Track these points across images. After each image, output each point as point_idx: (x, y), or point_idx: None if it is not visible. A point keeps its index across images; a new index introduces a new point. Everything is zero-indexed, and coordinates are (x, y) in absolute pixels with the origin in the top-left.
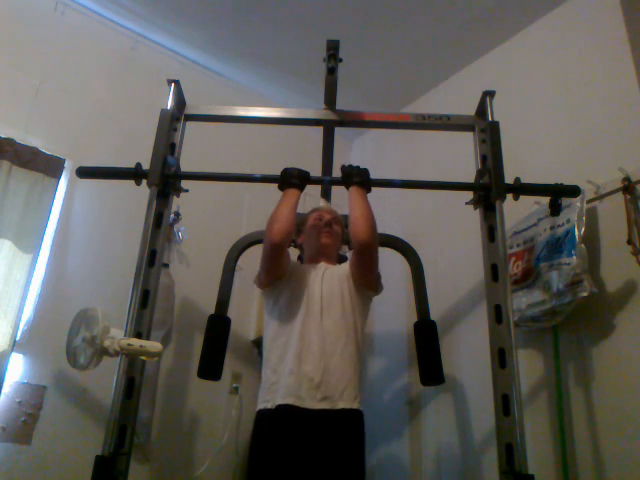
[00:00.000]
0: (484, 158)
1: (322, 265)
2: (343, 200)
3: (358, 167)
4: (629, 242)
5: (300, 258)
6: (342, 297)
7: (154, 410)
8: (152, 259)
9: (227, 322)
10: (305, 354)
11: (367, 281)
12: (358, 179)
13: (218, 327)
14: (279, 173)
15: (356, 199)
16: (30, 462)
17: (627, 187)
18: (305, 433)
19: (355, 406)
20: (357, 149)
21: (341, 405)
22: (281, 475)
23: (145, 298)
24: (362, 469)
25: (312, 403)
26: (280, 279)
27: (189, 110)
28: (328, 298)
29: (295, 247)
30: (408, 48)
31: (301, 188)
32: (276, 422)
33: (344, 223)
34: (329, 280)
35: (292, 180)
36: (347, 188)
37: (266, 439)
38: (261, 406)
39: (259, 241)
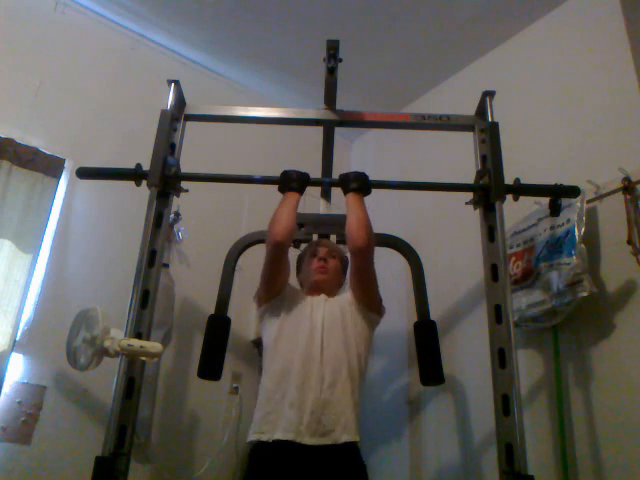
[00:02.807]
0: (484, 158)
1: (323, 296)
2: (343, 200)
3: (355, 172)
4: (629, 242)
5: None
6: (344, 325)
7: (154, 410)
8: (152, 259)
9: (227, 322)
10: (307, 386)
11: (367, 298)
12: (355, 185)
13: (218, 327)
14: (279, 173)
15: (352, 206)
16: (30, 462)
17: (627, 187)
18: (306, 472)
19: (353, 438)
20: (357, 149)
21: (343, 439)
22: None
23: (145, 298)
24: None
25: (313, 439)
26: (279, 295)
27: (189, 110)
28: (330, 327)
29: (296, 247)
30: (408, 48)
31: (301, 191)
32: (274, 459)
33: (344, 257)
34: (330, 308)
35: (291, 184)
36: (345, 194)
37: (263, 476)
38: (255, 437)
39: (259, 241)
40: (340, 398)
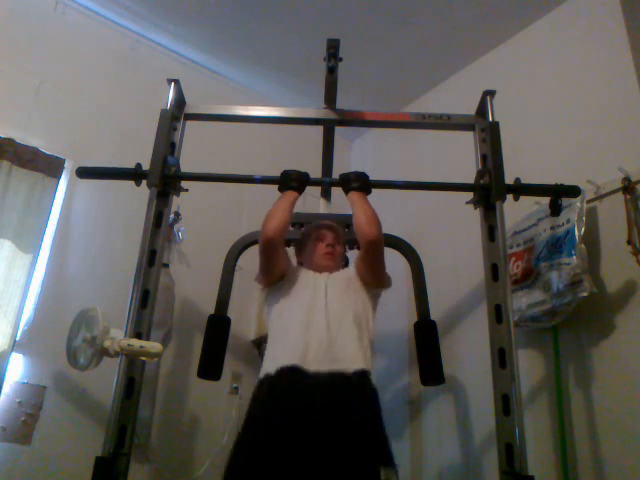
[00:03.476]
0: (484, 158)
1: (326, 272)
2: (343, 200)
3: (356, 172)
4: (629, 242)
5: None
6: (347, 288)
7: (154, 410)
8: (152, 259)
9: (227, 322)
10: (312, 328)
11: (376, 279)
12: (356, 184)
13: (218, 327)
14: (279, 173)
15: (357, 202)
16: (30, 462)
17: (627, 187)
18: (312, 397)
19: (364, 367)
20: (357, 149)
21: (353, 367)
22: (281, 446)
23: (145, 298)
24: (381, 428)
25: (321, 366)
26: (281, 280)
27: (189, 109)
28: (333, 287)
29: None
30: (408, 48)
31: (300, 191)
32: (278, 386)
33: (345, 240)
34: (333, 279)
35: (291, 183)
36: (346, 194)
37: (266, 405)
38: (261, 375)
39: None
40: (346, 338)
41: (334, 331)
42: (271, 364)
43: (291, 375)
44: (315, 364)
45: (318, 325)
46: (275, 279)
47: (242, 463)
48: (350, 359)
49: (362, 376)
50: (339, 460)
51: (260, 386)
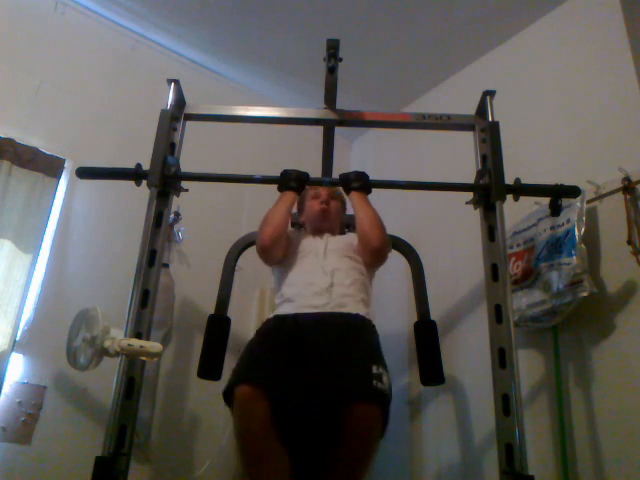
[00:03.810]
0: (484, 158)
1: (326, 235)
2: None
3: (356, 172)
4: (629, 242)
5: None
6: (346, 251)
7: (154, 410)
8: (152, 259)
9: (227, 322)
10: (314, 285)
11: (379, 265)
12: (357, 184)
13: (218, 327)
14: (279, 173)
15: (359, 204)
16: (30, 462)
17: (627, 187)
18: (313, 324)
19: (367, 315)
20: (357, 149)
21: (356, 311)
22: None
23: (145, 298)
24: (375, 340)
25: (320, 308)
26: (283, 260)
27: (189, 110)
28: (332, 250)
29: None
30: (408, 48)
31: (299, 191)
32: (282, 319)
33: (343, 199)
34: (333, 242)
35: (290, 183)
36: (347, 194)
37: (270, 325)
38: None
39: None
40: (347, 294)
41: (335, 289)
42: (275, 312)
43: (294, 314)
44: (317, 308)
45: (319, 284)
46: (276, 263)
47: (248, 360)
48: (351, 308)
49: (364, 318)
50: (335, 361)
51: (261, 325)
